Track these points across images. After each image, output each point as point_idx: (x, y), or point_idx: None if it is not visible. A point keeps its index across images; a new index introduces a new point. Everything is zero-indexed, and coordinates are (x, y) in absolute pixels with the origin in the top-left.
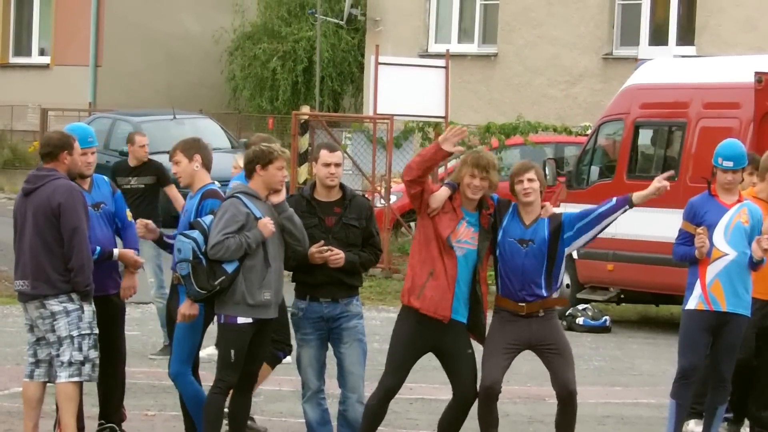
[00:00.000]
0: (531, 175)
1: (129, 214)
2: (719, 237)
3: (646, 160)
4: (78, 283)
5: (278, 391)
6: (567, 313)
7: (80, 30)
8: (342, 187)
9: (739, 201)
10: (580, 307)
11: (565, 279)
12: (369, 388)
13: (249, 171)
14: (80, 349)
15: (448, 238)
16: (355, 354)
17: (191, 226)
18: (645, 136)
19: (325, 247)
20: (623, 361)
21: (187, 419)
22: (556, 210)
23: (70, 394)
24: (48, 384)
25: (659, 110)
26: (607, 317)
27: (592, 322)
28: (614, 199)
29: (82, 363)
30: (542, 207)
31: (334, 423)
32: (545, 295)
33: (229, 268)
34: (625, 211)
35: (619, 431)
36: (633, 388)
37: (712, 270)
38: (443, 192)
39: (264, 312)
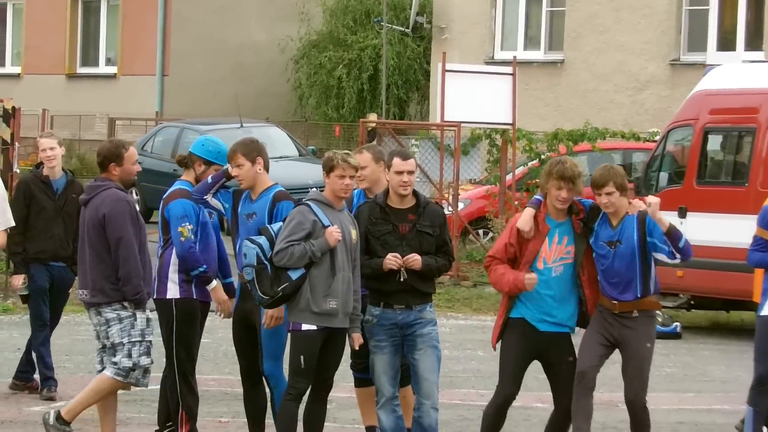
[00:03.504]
0: (608, 188)
1: None
2: None
3: (715, 166)
4: (126, 292)
5: (351, 398)
6: None
7: (147, 40)
8: (415, 194)
9: None
10: None
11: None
12: (440, 395)
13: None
14: (130, 356)
15: (543, 261)
16: (429, 361)
17: (259, 232)
18: (714, 142)
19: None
20: (695, 368)
21: (253, 427)
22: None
23: (102, 387)
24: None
25: (728, 116)
26: (678, 323)
27: (663, 328)
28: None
29: (132, 369)
30: (630, 203)
31: None
32: (638, 295)
33: (294, 275)
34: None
35: None
36: (705, 395)
37: None
38: (527, 213)
39: (330, 321)
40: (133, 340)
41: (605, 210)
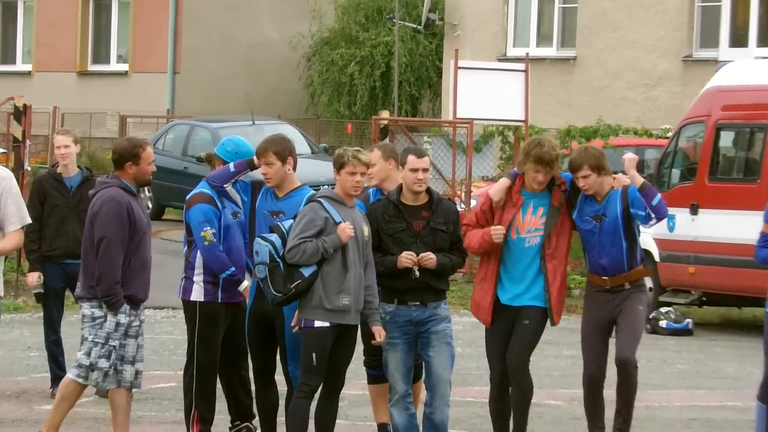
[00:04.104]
0: (584, 172)
1: None
2: None
3: (727, 163)
4: (99, 291)
5: (363, 395)
6: (651, 317)
7: (159, 37)
8: (429, 191)
9: None
10: (663, 310)
11: (648, 282)
12: (453, 392)
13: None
14: (88, 355)
15: (516, 231)
16: (443, 358)
17: (271, 230)
18: (726, 138)
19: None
20: (707, 364)
21: (264, 425)
22: None
23: (67, 392)
24: (133, 390)
25: (741, 112)
26: (690, 320)
27: (675, 325)
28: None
29: (90, 369)
30: (614, 178)
31: None
32: (627, 268)
33: (306, 272)
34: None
35: None
36: (718, 392)
37: None
38: (501, 183)
39: (342, 317)
40: (97, 340)
41: (584, 192)
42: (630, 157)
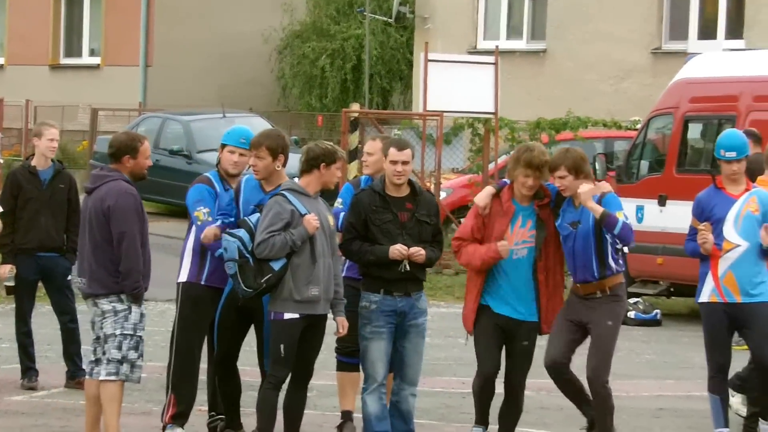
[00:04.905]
0: (560, 172)
1: None
2: (729, 228)
3: (695, 154)
4: (126, 286)
5: (332, 385)
6: None
7: (130, 30)
8: (411, 183)
9: (747, 190)
10: (632, 300)
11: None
12: (422, 382)
13: (310, 167)
14: (119, 348)
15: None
16: (417, 350)
17: (238, 225)
18: (695, 130)
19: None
20: (675, 355)
21: (229, 413)
22: None
23: (111, 394)
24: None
25: (709, 104)
26: (658, 311)
27: (643, 315)
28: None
29: (120, 362)
30: (594, 185)
31: None
32: (597, 276)
33: (276, 265)
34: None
35: (673, 424)
36: (685, 381)
37: (725, 262)
38: (487, 190)
39: (312, 308)
40: (125, 333)
41: (562, 193)
42: (584, 189)
